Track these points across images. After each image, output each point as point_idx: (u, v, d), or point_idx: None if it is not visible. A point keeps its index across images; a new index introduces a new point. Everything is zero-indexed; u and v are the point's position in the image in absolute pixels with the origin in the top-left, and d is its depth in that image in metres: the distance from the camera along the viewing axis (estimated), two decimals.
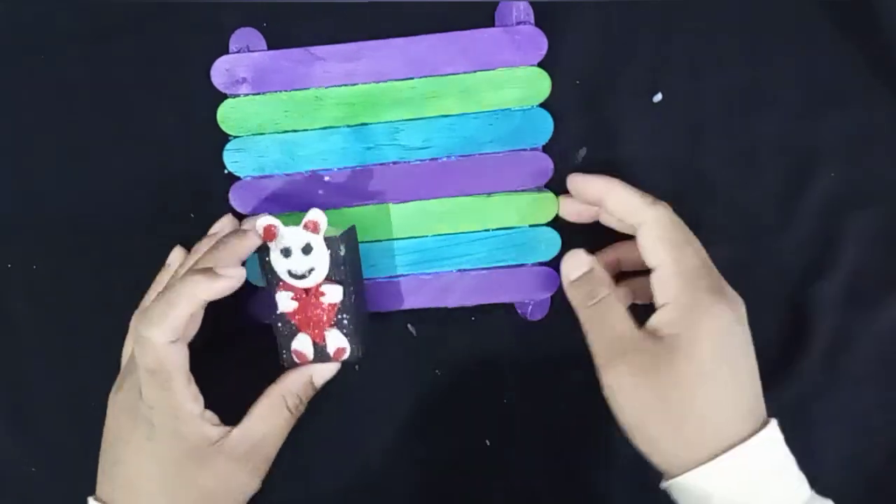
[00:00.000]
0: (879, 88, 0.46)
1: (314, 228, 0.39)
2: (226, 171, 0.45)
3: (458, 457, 0.47)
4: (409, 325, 0.46)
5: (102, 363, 0.45)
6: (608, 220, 0.43)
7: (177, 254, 0.44)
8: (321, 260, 0.39)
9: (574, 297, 0.41)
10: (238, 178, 0.45)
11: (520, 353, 0.47)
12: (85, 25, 0.45)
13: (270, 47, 0.44)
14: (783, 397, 0.46)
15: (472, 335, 0.47)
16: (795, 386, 0.46)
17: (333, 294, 0.40)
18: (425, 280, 0.45)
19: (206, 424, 0.39)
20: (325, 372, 0.42)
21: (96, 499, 0.39)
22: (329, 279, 0.40)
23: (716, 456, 0.36)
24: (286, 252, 0.39)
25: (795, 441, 0.44)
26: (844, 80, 0.46)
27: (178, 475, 0.38)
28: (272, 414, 0.40)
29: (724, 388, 0.37)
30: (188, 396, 0.38)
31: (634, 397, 0.38)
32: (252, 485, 0.40)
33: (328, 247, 0.39)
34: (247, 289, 0.45)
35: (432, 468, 0.47)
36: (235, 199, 0.45)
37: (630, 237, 0.42)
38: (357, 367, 0.46)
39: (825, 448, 0.47)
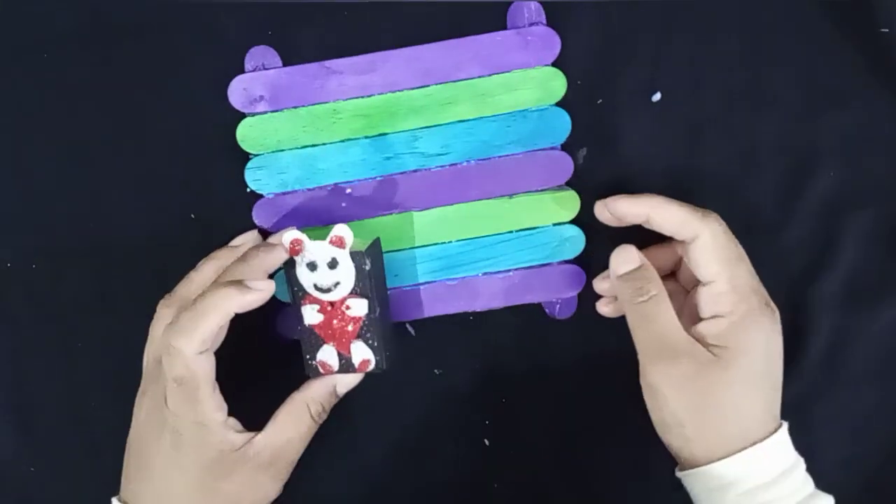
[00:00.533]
0: (879, 88, 0.46)
1: (340, 244, 0.39)
2: (248, 190, 0.45)
3: (458, 457, 0.47)
4: (407, 325, 0.47)
5: (102, 363, 0.46)
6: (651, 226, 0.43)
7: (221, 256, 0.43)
8: (347, 274, 0.40)
9: (623, 292, 0.41)
10: (260, 196, 0.45)
11: (519, 352, 0.47)
12: (85, 26, 0.45)
13: (282, 55, 0.44)
14: (783, 398, 0.46)
15: (472, 335, 0.47)
16: (795, 386, 0.46)
17: (359, 307, 0.40)
18: (451, 286, 0.45)
19: (231, 431, 0.39)
20: (348, 381, 0.42)
21: (120, 500, 0.40)
22: (354, 293, 0.40)
23: (740, 450, 0.38)
24: (312, 266, 0.40)
25: (795, 441, 0.45)
26: (844, 80, 0.46)
27: (204, 482, 0.39)
28: (295, 420, 0.41)
29: (760, 394, 0.40)
30: (213, 405, 0.39)
31: (677, 398, 0.39)
32: (275, 489, 0.41)
33: (353, 261, 0.39)
34: (273, 304, 0.46)
35: (432, 468, 0.47)
36: (259, 216, 0.45)
37: (664, 239, 0.42)
38: None
39: (825, 448, 0.47)
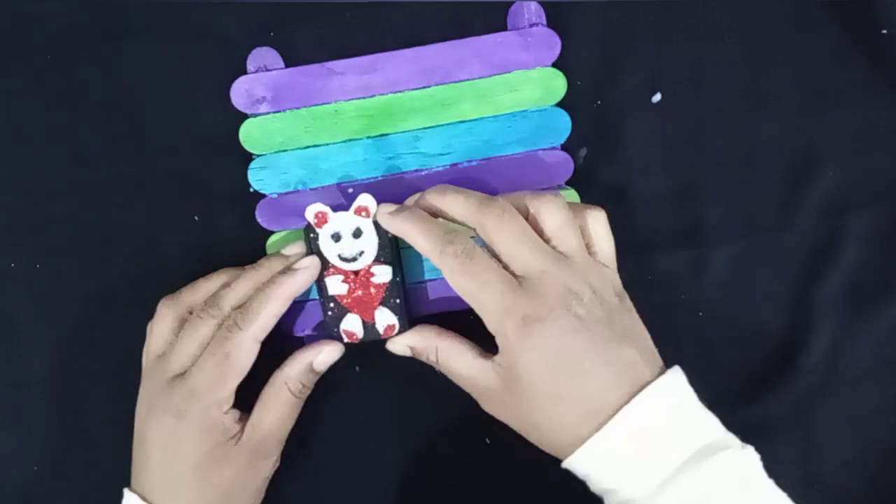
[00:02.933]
0: (879, 88, 0.46)
1: (365, 213, 0.41)
2: (251, 190, 0.45)
3: (458, 456, 0.47)
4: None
5: (103, 363, 0.46)
6: None
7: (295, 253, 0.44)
8: (370, 243, 0.41)
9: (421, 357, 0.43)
10: (262, 196, 0.45)
11: None
12: (87, 26, 0.45)
13: (284, 56, 0.44)
14: (783, 397, 0.46)
15: (472, 335, 0.47)
16: (795, 386, 0.46)
17: (383, 274, 0.42)
18: None
19: (229, 418, 0.41)
20: (326, 357, 0.43)
21: (132, 490, 0.41)
22: (378, 260, 0.41)
23: (601, 426, 0.37)
24: (336, 237, 0.41)
25: (795, 441, 0.45)
26: (844, 79, 0.46)
27: (205, 468, 0.41)
28: (277, 400, 0.42)
29: (578, 381, 0.37)
30: (231, 393, 0.41)
31: (507, 417, 0.40)
32: (269, 466, 0.43)
33: (377, 229, 0.41)
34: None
35: (432, 467, 0.48)
36: (262, 216, 0.45)
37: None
38: (357, 367, 0.47)
39: (825, 448, 0.47)
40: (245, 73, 0.44)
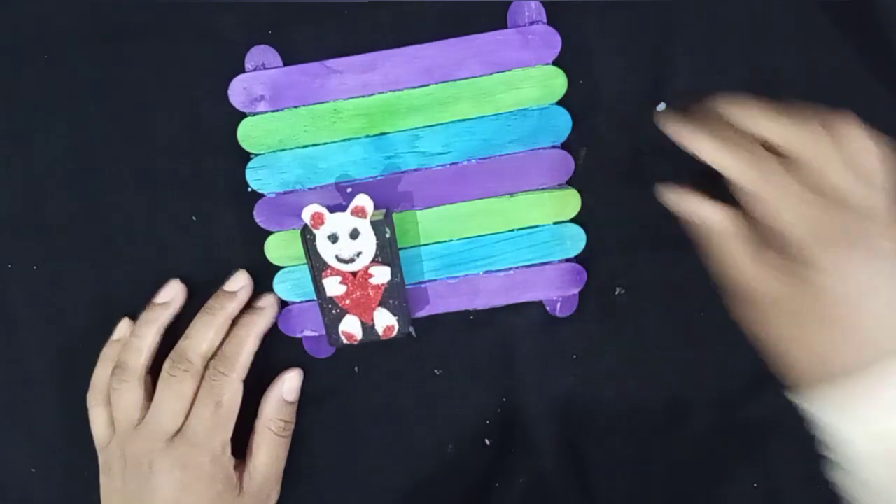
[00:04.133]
0: (879, 88, 0.46)
1: (362, 213, 0.40)
2: (249, 189, 0.45)
3: (458, 457, 0.47)
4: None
5: None
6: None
7: (124, 326, 0.46)
8: (368, 243, 0.41)
9: None
10: (260, 195, 0.45)
11: (519, 351, 0.47)
12: (85, 26, 0.45)
13: (283, 55, 0.44)
14: (784, 401, 0.46)
15: (472, 335, 0.47)
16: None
17: (381, 275, 0.42)
18: (452, 284, 0.46)
19: (230, 466, 0.43)
20: (290, 385, 0.45)
21: None
22: (376, 261, 0.41)
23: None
24: (333, 238, 0.41)
25: (797, 439, 0.45)
26: (845, 79, 0.45)
27: None
28: (265, 445, 0.44)
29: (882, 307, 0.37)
30: (229, 436, 0.43)
31: (770, 327, 0.39)
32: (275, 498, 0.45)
33: (374, 230, 0.41)
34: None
35: (432, 468, 0.48)
36: (260, 216, 0.45)
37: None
38: (356, 368, 0.47)
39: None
40: (243, 71, 0.44)
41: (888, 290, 0.37)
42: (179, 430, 0.42)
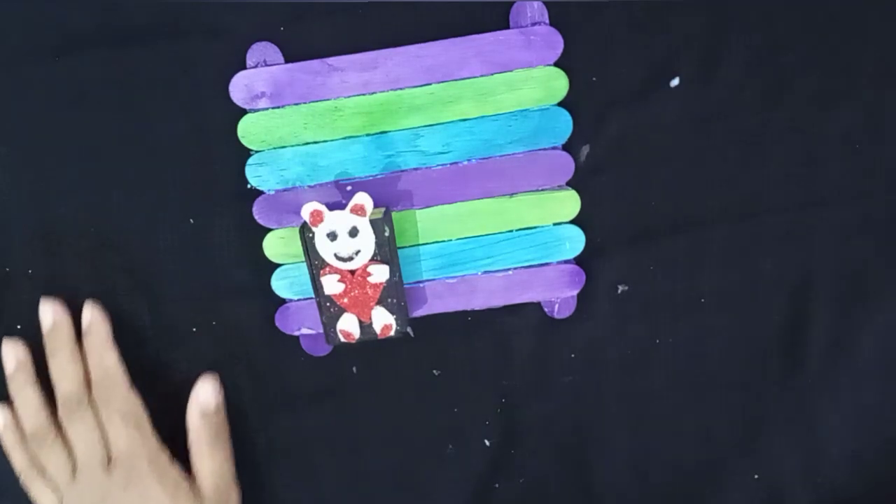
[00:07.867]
0: (880, 88, 0.45)
1: (361, 211, 0.40)
2: (249, 186, 0.45)
3: (458, 457, 0.48)
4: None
5: None
6: None
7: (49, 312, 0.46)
8: (367, 242, 0.41)
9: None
10: (260, 192, 0.45)
11: (518, 352, 0.47)
12: (87, 27, 0.45)
13: (285, 53, 0.44)
14: (784, 395, 0.47)
15: (470, 335, 0.47)
16: (797, 384, 0.47)
17: (380, 274, 0.41)
18: (451, 284, 0.46)
19: (175, 472, 0.43)
20: (205, 395, 0.44)
21: None
22: (375, 259, 0.41)
23: None
24: (332, 236, 0.41)
25: (797, 438, 0.45)
26: (847, 79, 0.45)
27: None
28: (204, 456, 0.44)
29: None
30: (158, 441, 0.44)
31: None
32: (236, 501, 0.45)
33: (373, 228, 0.41)
34: (274, 302, 0.46)
35: (432, 468, 0.48)
36: (259, 213, 0.45)
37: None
38: (355, 368, 0.47)
39: (827, 445, 0.47)
40: (245, 67, 0.44)
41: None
42: (110, 458, 0.43)
